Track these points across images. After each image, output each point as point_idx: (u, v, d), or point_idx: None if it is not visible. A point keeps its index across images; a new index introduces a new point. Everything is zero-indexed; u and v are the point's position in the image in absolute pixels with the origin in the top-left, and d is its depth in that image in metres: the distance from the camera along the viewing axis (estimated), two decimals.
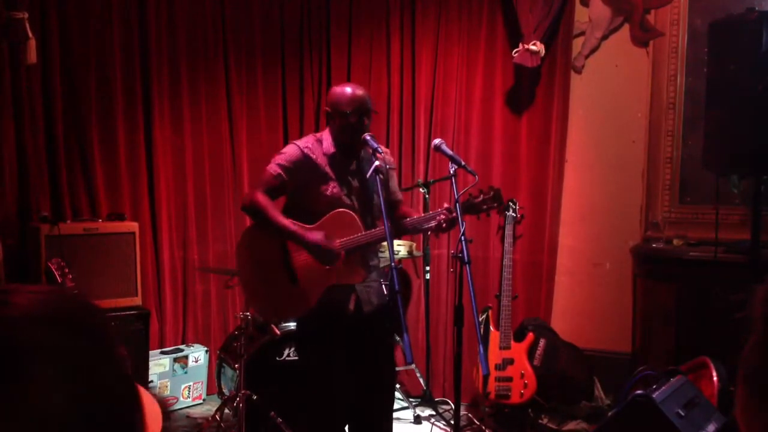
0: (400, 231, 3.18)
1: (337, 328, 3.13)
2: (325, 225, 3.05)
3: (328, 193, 3.07)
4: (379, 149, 2.97)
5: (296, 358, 3.94)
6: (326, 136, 3.15)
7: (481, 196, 3.02)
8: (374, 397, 3.25)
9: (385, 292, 3.22)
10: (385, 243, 2.95)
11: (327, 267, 3.04)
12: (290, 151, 3.12)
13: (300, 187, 3.11)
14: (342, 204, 3.08)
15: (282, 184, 3.11)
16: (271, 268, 3.14)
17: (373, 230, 3.05)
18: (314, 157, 3.09)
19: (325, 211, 3.06)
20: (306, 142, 3.14)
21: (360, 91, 3.10)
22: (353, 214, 3.05)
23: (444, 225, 2.96)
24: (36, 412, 0.58)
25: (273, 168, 3.10)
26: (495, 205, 3.04)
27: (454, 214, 2.91)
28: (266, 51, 5.10)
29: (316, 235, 3.02)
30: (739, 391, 0.81)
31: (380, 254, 4.04)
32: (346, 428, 3.35)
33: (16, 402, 0.57)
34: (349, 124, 3.05)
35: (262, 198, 3.07)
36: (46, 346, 0.61)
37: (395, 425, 3.47)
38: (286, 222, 3.05)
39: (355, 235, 3.03)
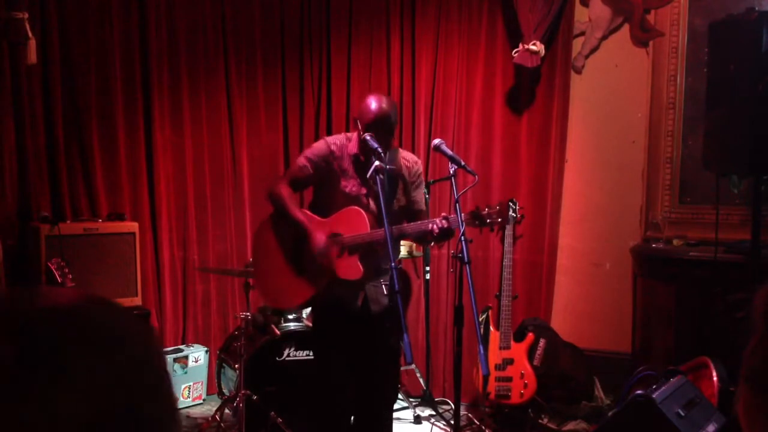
0: (403, 235, 3.18)
1: (345, 323, 3.19)
2: (336, 219, 3.15)
3: (347, 190, 3.17)
4: (379, 149, 2.97)
5: (296, 357, 3.96)
6: (355, 136, 3.21)
7: (487, 209, 2.99)
8: (376, 396, 3.26)
9: (385, 292, 3.23)
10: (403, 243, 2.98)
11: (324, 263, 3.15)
12: (318, 145, 3.28)
13: (323, 180, 3.23)
14: (360, 203, 3.15)
15: (307, 177, 3.25)
16: (282, 256, 3.27)
17: (375, 230, 3.06)
18: (339, 153, 3.20)
19: (341, 207, 3.15)
20: (335, 139, 3.27)
21: (385, 107, 3.10)
22: (363, 212, 3.10)
23: (437, 233, 2.95)
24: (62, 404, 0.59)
25: (300, 160, 3.26)
26: (499, 220, 3.01)
27: (445, 224, 2.92)
28: (266, 51, 5.09)
29: (319, 237, 3.11)
30: (741, 390, 0.81)
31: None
32: (346, 429, 3.36)
33: (45, 389, 0.58)
34: (363, 141, 3.09)
35: (283, 188, 3.23)
36: (80, 339, 0.63)
37: (395, 425, 3.48)
38: (299, 214, 3.19)
39: (360, 233, 3.07)
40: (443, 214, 3.02)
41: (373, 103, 3.11)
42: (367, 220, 3.08)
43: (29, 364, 0.58)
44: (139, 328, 0.69)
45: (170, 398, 0.69)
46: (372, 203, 3.17)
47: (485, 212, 2.99)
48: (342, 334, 3.21)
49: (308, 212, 3.23)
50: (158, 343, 0.71)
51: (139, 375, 0.64)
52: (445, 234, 2.99)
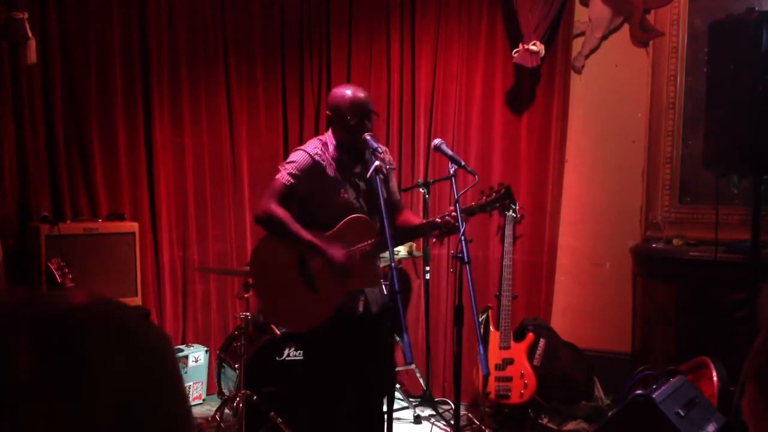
0: (402, 238, 3.17)
1: (346, 329, 3.15)
2: (343, 231, 3.05)
3: (339, 197, 3.08)
4: (379, 149, 2.97)
5: (296, 357, 3.94)
6: (330, 139, 3.15)
7: (493, 194, 2.97)
8: (374, 397, 3.25)
9: (385, 292, 3.22)
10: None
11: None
12: (299, 158, 3.09)
13: (310, 193, 3.10)
14: (352, 208, 3.08)
15: (294, 193, 3.08)
16: (289, 279, 3.12)
17: (385, 236, 3.02)
18: (323, 162, 3.09)
19: (336, 216, 3.05)
20: (314, 148, 3.12)
21: (360, 93, 3.09)
22: (368, 218, 3.05)
23: (445, 229, 2.95)
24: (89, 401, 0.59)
25: (284, 177, 3.06)
26: (507, 201, 2.99)
27: (449, 215, 2.90)
28: (266, 51, 5.09)
29: (338, 252, 3.01)
30: (748, 389, 0.81)
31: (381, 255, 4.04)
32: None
33: (73, 387, 0.59)
34: (349, 127, 3.05)
35: (279, 210, 3.03)
36: (106, 338, 0.63)
37: (395, 425, 3.47)
38: (306, 235, 3.02)
39: (373, 240, 3.03)
40: (451, 208, 2.96)
41: (346, 92, 3.09)
42: (373, 225, 3.04)
43: (55, 364, 0.59)
44: (151, 324, 0.70)
45: (185, 395, 0.70)
46: (364, 204, 3.12)
47: (492, 197, 2.95)
48: (342, 341, 3.15)
49: (315, 233, 3.07)
50: (170, 340, 0.71)
51: (159, 368, 0.65)
52: (452, 228, 2.93)
